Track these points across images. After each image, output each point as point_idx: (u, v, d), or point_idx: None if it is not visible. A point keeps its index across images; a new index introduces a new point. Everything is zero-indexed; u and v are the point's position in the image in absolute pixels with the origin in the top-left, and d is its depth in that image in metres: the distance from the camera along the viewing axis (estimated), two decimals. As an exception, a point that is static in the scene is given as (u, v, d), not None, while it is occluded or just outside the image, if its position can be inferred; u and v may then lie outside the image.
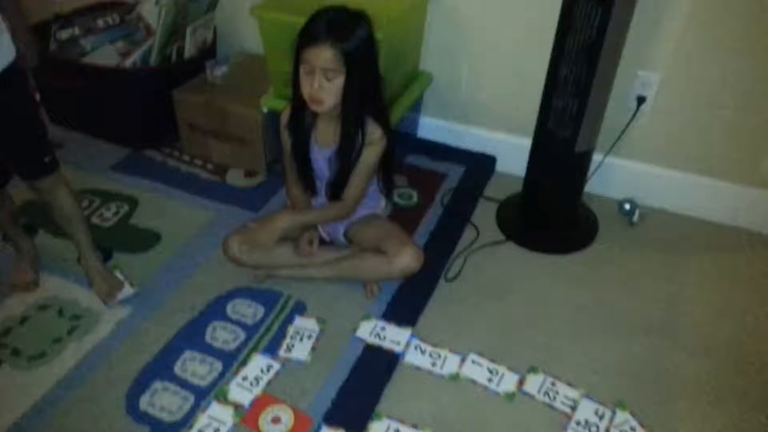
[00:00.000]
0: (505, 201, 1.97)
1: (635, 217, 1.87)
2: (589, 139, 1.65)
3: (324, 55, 1.33)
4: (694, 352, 1.50)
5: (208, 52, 2.24)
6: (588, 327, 1.57)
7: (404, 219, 1.79)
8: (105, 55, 2.14)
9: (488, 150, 2.14)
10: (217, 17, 2.24)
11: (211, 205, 1.96)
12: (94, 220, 1.88)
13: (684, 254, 1.80)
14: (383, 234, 1.60)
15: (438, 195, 2.00)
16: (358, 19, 1.37)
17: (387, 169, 1.59)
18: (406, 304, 1.61)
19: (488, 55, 1.96)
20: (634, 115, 1.80)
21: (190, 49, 2.14)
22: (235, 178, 2.09)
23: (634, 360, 1.48)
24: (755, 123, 1.74)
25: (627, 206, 1.90)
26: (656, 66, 1.74)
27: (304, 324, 1.55)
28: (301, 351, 1.47)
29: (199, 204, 1.96)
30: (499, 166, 2.13)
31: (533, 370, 1.44)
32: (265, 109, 1.96)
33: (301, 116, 1.52)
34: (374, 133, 1.47)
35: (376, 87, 1.44)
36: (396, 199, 1.95)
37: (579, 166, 1.73)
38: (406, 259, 1.52)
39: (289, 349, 1.49)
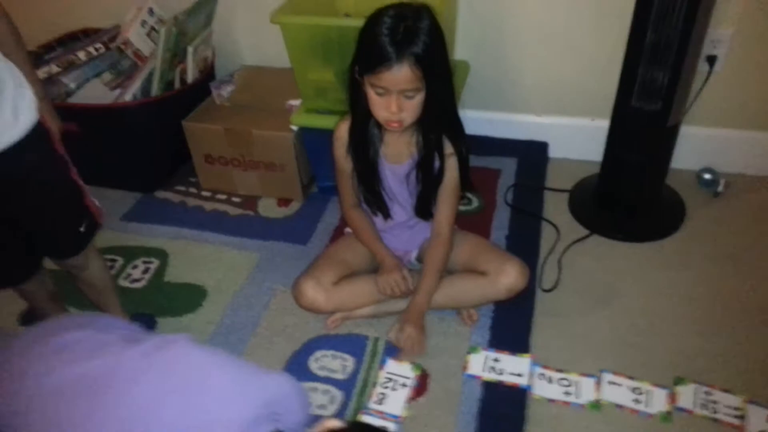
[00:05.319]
0: (575, 190, 1.79)
1: (720, 187, 1.71)
2: (679, 111, 1.48)
3: (402, 77, 1.10)
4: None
5: (209, 72, 1.99)
6: (716, 318, 1.40)
7: (470, 226, 1.58)
8: (93, 91, 1.87)
9: (537, 137, 1.96)
10: (213, 32, 1.99)
11: (251, 244, 1.71)
12: (122, 282, 1.62)
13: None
14: (474, 252, 1.40)
15: (498, 194, 1.81)
16: (420, 12, 1.13)
17: (464, 185, 1.37)
18: (510, 327, 1.41)
19: (532, 33, 1.76)
20: (708, 77, 1.64)
21: (193, 72, 1.88)
22: (269, 209, 1.85)
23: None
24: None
25: (707, 176, 1.75)
26: (725, 21, 1.58)
27: (397, 369, 1.34)
28: (394, 404, 1.26)
29: (237, 245, 1.71)
30: (552, 152, 1.95)
31: (680, 381, 1.27)
32: (295, 128, 1.73)
33: (365, 131, 1.30)
34: (447, 147, 1.29)
35: (452, 88, 1.23)
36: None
37: (669, 142, 1.55)
38: (512, 276, 1.33)
39: (380, 400, 1.28)
